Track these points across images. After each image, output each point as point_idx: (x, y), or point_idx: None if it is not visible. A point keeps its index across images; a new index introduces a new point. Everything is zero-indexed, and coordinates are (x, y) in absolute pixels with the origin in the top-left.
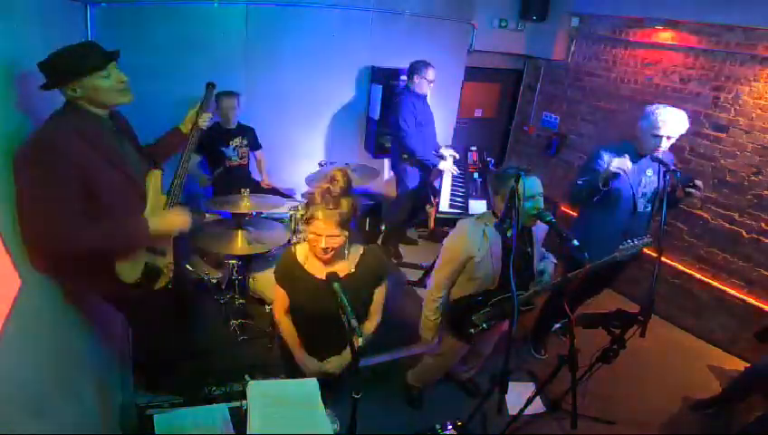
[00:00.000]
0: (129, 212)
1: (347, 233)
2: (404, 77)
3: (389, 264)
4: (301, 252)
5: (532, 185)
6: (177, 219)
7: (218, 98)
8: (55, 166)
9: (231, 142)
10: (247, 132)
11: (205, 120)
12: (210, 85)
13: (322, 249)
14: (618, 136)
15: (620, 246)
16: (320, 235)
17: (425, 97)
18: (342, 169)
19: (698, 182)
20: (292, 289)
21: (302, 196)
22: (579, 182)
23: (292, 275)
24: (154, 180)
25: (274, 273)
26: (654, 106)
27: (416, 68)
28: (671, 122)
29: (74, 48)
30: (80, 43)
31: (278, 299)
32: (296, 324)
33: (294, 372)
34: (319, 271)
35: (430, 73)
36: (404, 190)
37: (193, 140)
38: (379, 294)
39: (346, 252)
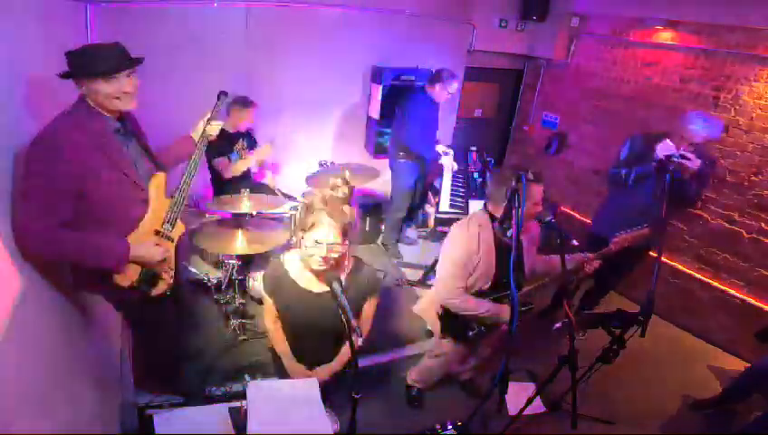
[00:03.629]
0: (127, 215)
1: (348, 244)
2: (409, 77)
3: (379, 279)
4: (290, 263)
5: (536, 192)
6: (156, 251)
7: (240, 105)
8: (54, 163)
9: (235, 147)
10: (245, 134)
11: (214, 129)
12: (222, 94)
13: (322, 259)
14: (617, 136)
15: (613, 238)
16: (321, 242)
17: (438, 104)
18: (343, 177)
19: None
20: (282, 300)
21: (303, 195)
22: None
23: (281, 287)
24: (157, 183)
25: (263, 283)
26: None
27: (442, 77)
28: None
29: (97, 48)
30: (106, 44)
31: (267, 308)
32: (285, 333)
33: (285, 374)
34: (310, 284)
35: (453, 86)
36: (399, 188)
37: (201, 148)
38: (369, 307)
39: (345, 262)
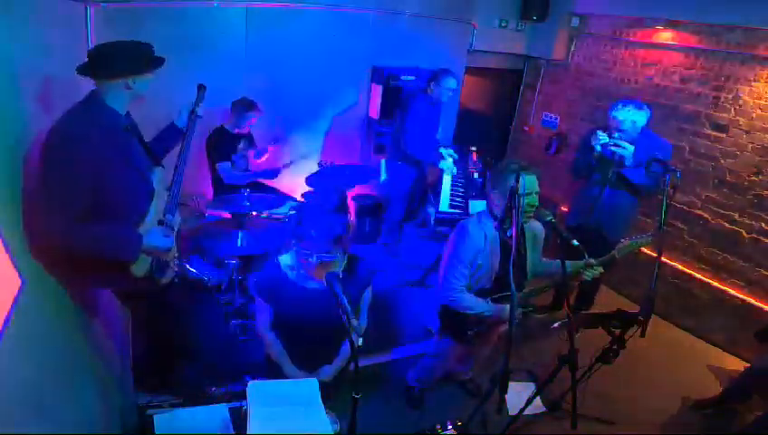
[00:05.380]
0: (137, 207)
1: (341, 250)
2: (409, 77)
3: (373, 271)
4: (285, 264)
5: (531, 182)
6: (166, 240)
7: (245, 107)
8: (71, 159)
9: (239, 148)
10: (247, 135)
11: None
12: (202, 87)
13: (316, 265)
14: None
15: (618, 245)
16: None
17: (439, 103)
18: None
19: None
20: (280, 302)
21: (302, 195)
22: None
23: (278, 289)
24: (158, 177)
25: (257, 287)
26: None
27: (438, 76)
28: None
29: (144, 43)
30: (140, 42)
31: (261, 314)
32: (284, 337)
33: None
34: (307, 280)
35: (450, 82)
36: (396, 191)
37: (188, 141)
38: (367, 298)
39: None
